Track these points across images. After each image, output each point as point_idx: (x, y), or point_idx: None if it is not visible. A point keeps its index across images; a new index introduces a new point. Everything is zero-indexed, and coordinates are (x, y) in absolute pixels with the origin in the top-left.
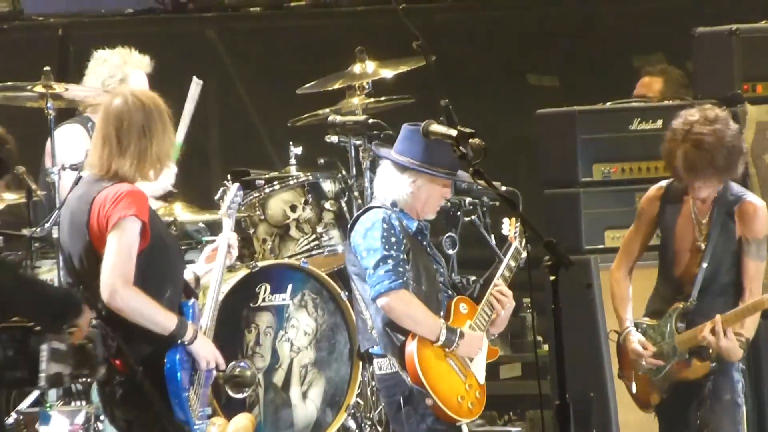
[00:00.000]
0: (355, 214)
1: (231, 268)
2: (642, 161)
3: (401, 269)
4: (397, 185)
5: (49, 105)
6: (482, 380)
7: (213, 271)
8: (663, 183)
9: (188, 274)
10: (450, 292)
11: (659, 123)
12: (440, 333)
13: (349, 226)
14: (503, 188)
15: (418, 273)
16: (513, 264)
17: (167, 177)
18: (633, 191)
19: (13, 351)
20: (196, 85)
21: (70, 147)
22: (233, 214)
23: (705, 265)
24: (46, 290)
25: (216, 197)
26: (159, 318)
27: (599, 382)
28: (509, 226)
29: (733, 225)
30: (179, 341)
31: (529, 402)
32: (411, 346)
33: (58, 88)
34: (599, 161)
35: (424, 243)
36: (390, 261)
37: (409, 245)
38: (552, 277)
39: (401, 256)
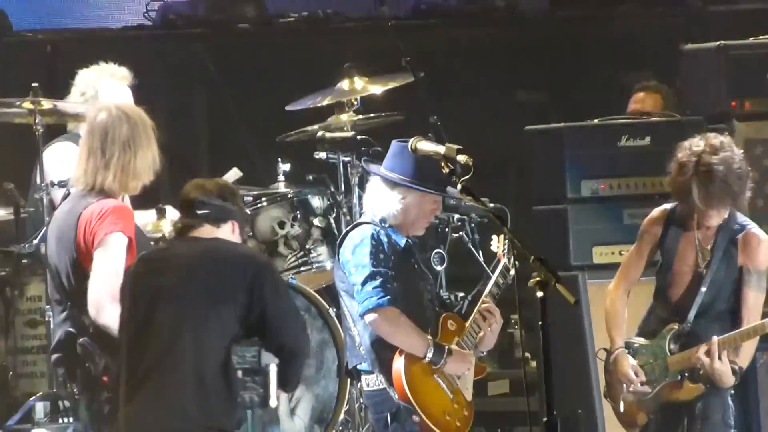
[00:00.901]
0: (344, 230)
1: None
2: (630, 177)
3: (389, 285)
4: (386, 201)
5: (37, 121)
6: (470, 397)
7: None
8: (667, 206)
9: None
10: (438, 309)
11: (647, 139)
12: (428, 350)
13: (338, 242)
14: (491, 205)
15: (406, 289)
16: (501, 281)
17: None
18: (621, 208)
19: (242, 371)
20: (234, 175)
21: (62, 164)
22: None
23: (704, 289)
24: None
25: None
26: None
27: (587, 399)
28: (498, 243)
29: (736, 253)
30: None
31: (516, 419)
32: (398, 363)
33: (47, 104)
34: (587, 178)
35: (413, 260)
36: (378, 277)
37: (397, 262)
38: (540, 294)
39: (389, 273)
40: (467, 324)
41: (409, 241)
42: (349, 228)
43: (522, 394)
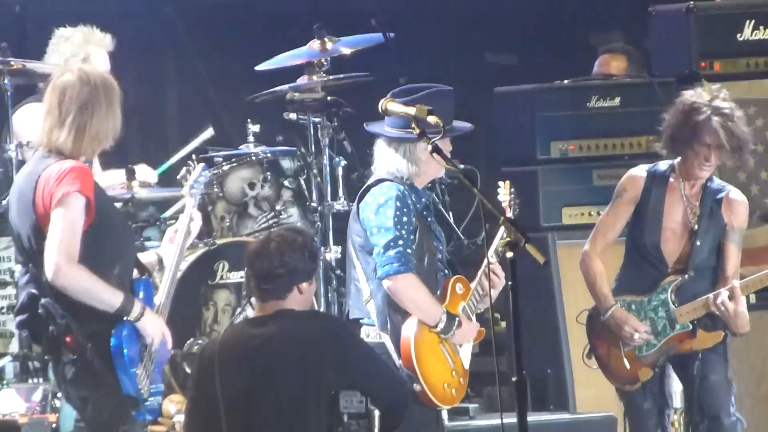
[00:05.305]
0: (366, 184)
1: (190, 246)
2: (600, 138)
3: (409, 251)
4: (398, 158)
5: (6, 81)
6: (467, 365)
7: (171, 248)
8: (645, 167)
9: (151, 256)
10: (447, 271)
11: (617, 101)
12: (440, 320)
13: (358, 194)
14: (461, 166)
15: (422, 251)
16: (507, 237)
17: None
18: (590, 168)
19: (348, 415)
20: (207, 133)
21: (33, 125)
22: (197, 194)
23: (699, 243)
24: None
25: (179, 176)
26: (104, 295)
27: (556, 359)
28: (504, 192)
29: (719, 212)
30: (125, 318)
31: (486, 379)
32: (408, 330)
33: (16, 64)
34: (557, 139)
35: (430, 219)
36: (400, 242)
37: (417, 223)
38: (509, 254)
39: (411, 237)
40: (472, 286)
41: (429, 200)
42: (371, 182)
43: (491, 354)
